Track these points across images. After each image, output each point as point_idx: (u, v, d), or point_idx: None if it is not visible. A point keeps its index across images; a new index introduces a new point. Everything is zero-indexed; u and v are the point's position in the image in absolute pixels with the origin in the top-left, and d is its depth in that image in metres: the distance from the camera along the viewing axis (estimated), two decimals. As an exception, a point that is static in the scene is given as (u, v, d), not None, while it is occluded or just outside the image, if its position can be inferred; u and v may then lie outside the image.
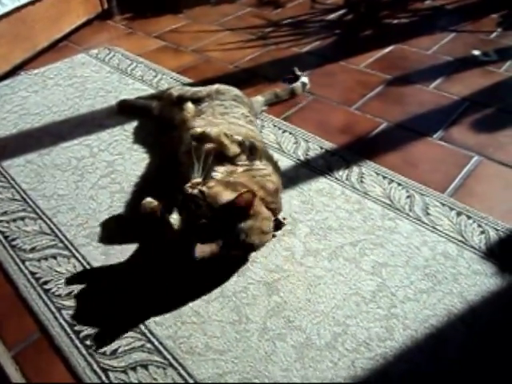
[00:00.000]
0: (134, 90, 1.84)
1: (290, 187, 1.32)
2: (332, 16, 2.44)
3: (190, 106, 1.44)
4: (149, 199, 1.19)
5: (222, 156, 1.16)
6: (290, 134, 1.55)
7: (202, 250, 0.96)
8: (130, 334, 0.98)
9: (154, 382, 0.90)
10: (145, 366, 0.93)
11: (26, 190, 1.37)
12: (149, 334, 0.98)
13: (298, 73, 1.82)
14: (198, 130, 1.23)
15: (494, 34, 2.14)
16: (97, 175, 1.41)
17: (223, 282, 1.08)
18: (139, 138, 1.57)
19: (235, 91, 1.52)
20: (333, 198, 1.29)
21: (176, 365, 0.93)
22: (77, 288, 1.08)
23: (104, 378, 0.91)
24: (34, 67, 2.04)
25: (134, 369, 0.92)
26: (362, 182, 1.34)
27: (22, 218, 1.27)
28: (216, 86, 1.52)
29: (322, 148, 1.48)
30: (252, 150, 1.19)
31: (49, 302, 1.05)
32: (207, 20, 2.46)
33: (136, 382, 0.90)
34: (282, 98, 1.72)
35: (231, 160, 1.16)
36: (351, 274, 1.08)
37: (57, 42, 2.23)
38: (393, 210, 1.25)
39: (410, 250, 1.13)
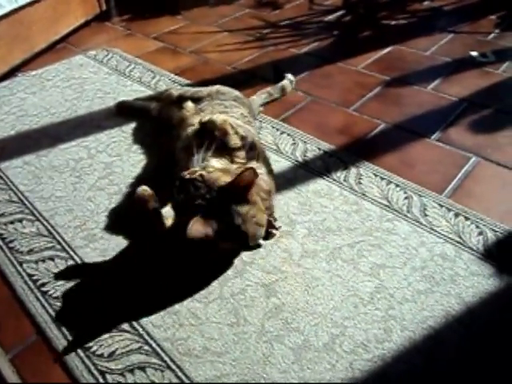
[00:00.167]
0: (132, 91, 1.84)
1: (287, 188, 1.32)
2: (330, 17, 2.44)
3: (189, 104, 1.44)
4: (144, 187, 1.17)
5: (221, 147, 1.16)
6: (288, 135, 1.55)
7: (197, 228, 0.94)
8: (128, 336, 0.98)
9: (151, 384, 0.90)
10: (142, 369, 0.92)
11: (23, 192, 1.37)
12: (146, 336, 0.98)
13: (282, 70, 1.83)
14: (206, 117, 1.23)
15: (491, 35, 2.15)
16: (95, 177, 1.41)
17: (222, 284, 1.08)
18: (137, 139, 1.57)
19: (236, 92, 1.52)
20: (331, 200, 1.29)
21: (174, 367, 0.92)
22: (74, 290, 1.08)
23: (101, 380, 0.91)
24: (32, 69, 2.04)
25: (131, 371, 0.92)
26: (360, 183, 1.34)
27: (20, 220, 1.27)
28: (217, 87, 1.52)
29: (319, 149, 1.48)
30: (251, 149, 1.19)
31: (46, 305, 1.05)
32: (205, 21, 2.46)
33: (133, 384, 0.90)
34: (275, 97, 1.72)
35: (230, 153, 1.15)
36: (349, 275, 1.08)
37: (55, 43, 2.23)
38: (391, 211, 1.25)
39: (407, 251, 1.13)
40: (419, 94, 1.75)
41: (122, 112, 1.69)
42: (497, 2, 2.45)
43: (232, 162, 1.13)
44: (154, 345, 0.96)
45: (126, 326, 1.00)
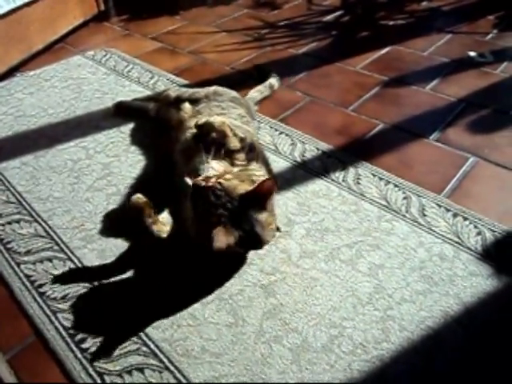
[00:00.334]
0: (130, 91, 1.84)
1: (286, 189, 1.32)
2: (328, 17, 2.44)
3: (187, 106, 1.44)
4: (138, 195, 1.17)
5: (220, 149, 1.14)
6: (287, 135, 1.55)
7: (221, 239, 0.93)
8: (126, 336, 0.98)
9: (149, 385, 0.90)
10: (140, 370, 0.92)
11: (21, 193, 1.36)
12: (144, 337, 0.97)
13: (266, 70, 1.84)
14: (203, 119, 1.21)
15: (489, 36, 2.15)
16: (93, 177, 1.41)
17: (220, 284, 1.08)
18: (136, 139, 1.57)
19: (233, 93, 1.52)
20: (329, 200, 1.29)
21: (172, 368, 0.92)
22: (72, 291, 1.08)
23: (99, 381, 0.90)
24: (30, 69, 2.03)
25: (129, 372, 0.92)
26: (358, 183, 1.34)
27: (18, 221, 1.27)
28: (213, 88, 1.52)
29: (318, 149, 1.48)
30: (251, 150, 1.19)
31: (44, 305, 1.04)
32: (204, 21, 2.46)
33: (132, 385, 0.90)
34: (265, 94, 1.72)
35: (229, 155, 1.14)
36: (348, 275, 1.08)
37: (53, 43, 2.22)
38: (389, 211, 1.24)
39: (406, 251, 1.13)
40: (417, 95, 1.75)
41: (120, 112, 1.68)
42: (495, 2, 2.45)
43: (232, 164, 1.13)
44: (152, 346, 0.96)
45: (124, 327, 1.00)
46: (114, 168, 1.44)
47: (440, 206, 1.25)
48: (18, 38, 2.00)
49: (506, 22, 2.27)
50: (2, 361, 0.94)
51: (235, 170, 1.11)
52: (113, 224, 1.25)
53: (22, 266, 1.14)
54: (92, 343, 0.97)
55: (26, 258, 1.16)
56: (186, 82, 1.88)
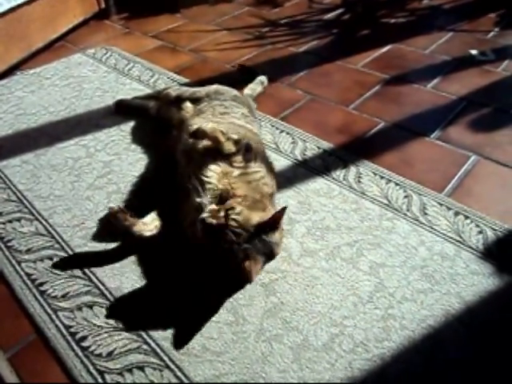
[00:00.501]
0: (130, 89, 1.83)
1: (287, 187, 1.32)
2: (329, 15, 2.44)
3: (188, 105, 1.44)
4: (111, 205, 1.15)
5: (216, 153, 1.15)
6: (288, 133, 1.55)
7: (255, 271, 0.97)
8: (126, 335, 0.98)
9: (150, 383, 0.90)
10: (141, 368, 0.92)
11: (22, 191, 1.36)
12: (145, 336, 0.97)
13: (252, 70, 1.84)
14: (194, 126, 1.22)
15: (491, 34, 2.14)
16: (93, 176, 1.41)
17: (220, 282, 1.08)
18: (136, 138, 1.57)
19: (234, 92, 1.52)
20: (330, 198, 1.28)
21: (173, 366, 0.92)
22: (72, 289, 1.08)
23: (100, 380, 0.90)
24: (31, 67, 2.03)
25: (130, 371, 0.92)
26: (359, 181, 1.34)
27: (18, 219, 1.27)
28: (215, 87, 1.52)
29: (319, 148, 1.47)
30: (248, 151, 1.18)
31: (44, 304, 1.04)
32: (204, 20, 2.46)
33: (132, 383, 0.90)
34: (258, 91, 1.72)
35: (226, 158, 1.14)
36: (348, 274, 1.08)
37: (53, 41, 2.22)
38: (390, 209, 1.24)
39: (407, 250, 1.13)
40: (418, 93, 1.75)
41: (121, 111, 1.68)
42: (496, 1, 2.44)
43: (231, 165, 1.14)
44: (152, 344, 0.96)
45: (124, 326, 1.00)
46: (114, 166, 1.44)
47: (441, 205, 1.25)
48: (19, 37, 2.00)
49: (507, 20, 2.26)
50: (3, 359, 0.94)
51: (235, 172, 1.11)
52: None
53: (23, 265, 1.14)
54: (92, 342, 0.97)
55: (26, 257, 1.16)
56: (186, 80, 1.87)
